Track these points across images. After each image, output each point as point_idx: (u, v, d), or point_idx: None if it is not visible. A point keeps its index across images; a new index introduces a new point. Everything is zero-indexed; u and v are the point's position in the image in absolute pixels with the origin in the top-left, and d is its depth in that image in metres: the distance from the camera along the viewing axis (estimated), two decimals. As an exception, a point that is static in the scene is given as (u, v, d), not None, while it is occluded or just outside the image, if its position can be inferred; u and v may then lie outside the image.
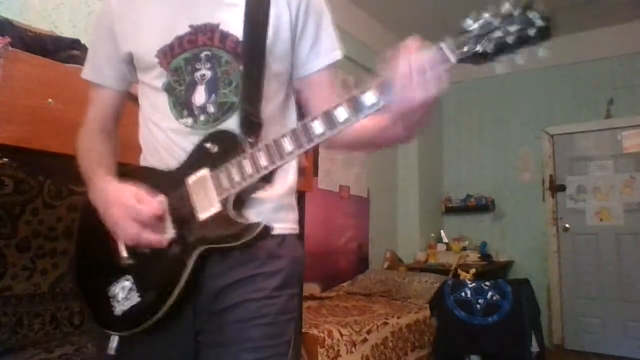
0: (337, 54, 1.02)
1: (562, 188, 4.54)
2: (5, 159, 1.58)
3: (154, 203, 0.88)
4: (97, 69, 1.05)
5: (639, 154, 4.27)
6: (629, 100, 4.27)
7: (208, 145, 0.90)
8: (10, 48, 1.20)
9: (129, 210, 0.86)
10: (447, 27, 0.76)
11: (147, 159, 1.00)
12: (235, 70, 0.92)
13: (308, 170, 2.43)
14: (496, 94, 4.86)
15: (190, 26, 0.93)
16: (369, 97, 0.78)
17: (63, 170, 1.49)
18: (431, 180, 4.93)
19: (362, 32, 4.07)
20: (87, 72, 1.07)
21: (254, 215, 0.90)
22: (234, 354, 0.87)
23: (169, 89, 0.95)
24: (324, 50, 1.01)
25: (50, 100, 1.26)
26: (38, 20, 1.87)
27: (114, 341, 0.91)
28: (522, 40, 0.71)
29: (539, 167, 4.64)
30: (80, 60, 1.41)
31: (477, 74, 4.80)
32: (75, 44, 1.54)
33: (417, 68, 0.74)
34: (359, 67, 3.80)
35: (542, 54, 0.71)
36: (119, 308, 0.91)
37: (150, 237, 0.87)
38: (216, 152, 0.89)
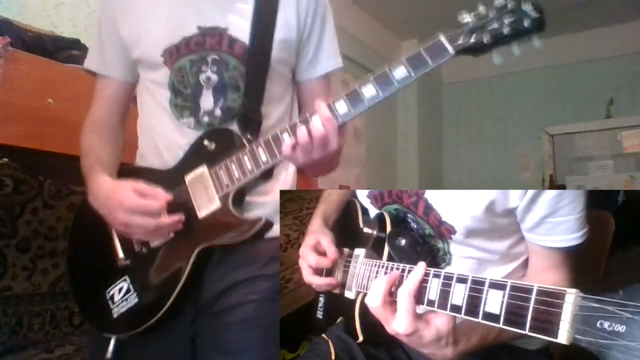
0: (336, 62, 1.02)
1: (562, 188, 4.54)
2: (5, 159, 1.58)
3: (156, 193, 0.87)
4: (102, 59, 1.02)
5: (639, 154, 4.27)
6: (629, 100, 4.27)
7: (205, 142, 0.89)
8: (10, 48, 1.20)
9: (137, 209, 0.84)
10: (446, 27, 0.77)
11: (146, 157, 0.99)
12: (243, 75, 0.92)
13: (308, 170, 2.41)
14: (496, 93, 4.86)
15: (198, 28, 0.92)
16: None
17: (63, 170, 1.49)
18: (431, 180, 4.92)
19: (362, 32, 4.07)
20: (92, 62, 1.04)
21: (255, 215, 0.88)
22: (233, 354, 0.86)
23: (173, 88, 0.94)
24: (325, 57, 1.00)
25: (50, 100, 1.26)
26: (38, 20, 1.86)
27: (111, 344, 0.89)
28: (518, 31, 0.72)
29: (539, 167, 4.63)
30: (80, 60, 1.41)
31: (477, 74, 4.81)
32: (75, 44, 1.54)
33: (303, 142, 0.77)
34: (359, 66, 3.80)
35: (538, 44, 0.72)
36: (117, 310, 0.90)
37: (168, 222, 0.86)
38: (214, 149, 0.88)
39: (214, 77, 0.92)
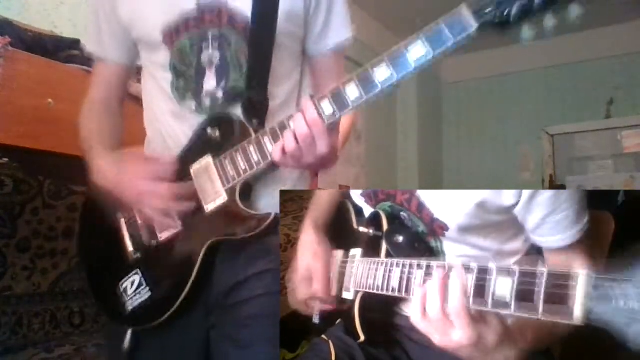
0: (346, 33, 0.97)
1: (562, 188, 4.53)
2: (5, 159, 1.58)
3: (159, 157, 0.85)
4: (100, 42, 1.00)
5: (639, 154, 4.27)
6: (629, 100, 4.27)
7: (209, 130, 0.86)
8: (10, 48, 1.20)
9: (147, 174, 0.83)
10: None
11: (152, 145, 0.97)
12: (246, 53, 0.87)
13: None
14: (496, 93, 4.86)
15: (197, 4, 0.88)
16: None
17: (63, 170, 1.49)
18: (431, 180, 4.93)
19: (362, 32, 4.06)
20: (90, 45, 1.02)
21: (263, 206, 0.87)
22: (247, 347, 0.85)
23: (175, 70, 0.91)
24: (335, 28, 0.95)
25: (50, 100, 1.26)
26: (38, 20, 1.86)
27: (128, 336, 0.89)
28: (551, 1, 0.62)
29: (539, 167, 4.64)
30: (80, 60, 1.42)
31: (477, 74, 4.81)
32: (75, 44, 1.54)
33: (292, 150, 0.74)
34: (359, 67, 3.80)
35: (575, 14, 0.61)
36: (130, 304, 0.90)
37: (180, 190, 0.84)
38: (218, 137, 0.85)
39: (216, 56, 0.88)
